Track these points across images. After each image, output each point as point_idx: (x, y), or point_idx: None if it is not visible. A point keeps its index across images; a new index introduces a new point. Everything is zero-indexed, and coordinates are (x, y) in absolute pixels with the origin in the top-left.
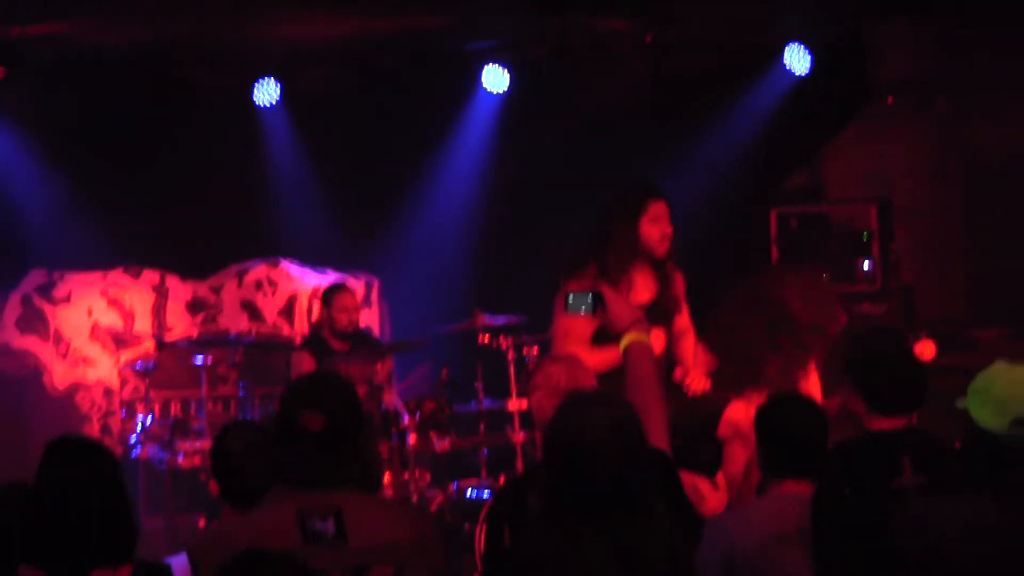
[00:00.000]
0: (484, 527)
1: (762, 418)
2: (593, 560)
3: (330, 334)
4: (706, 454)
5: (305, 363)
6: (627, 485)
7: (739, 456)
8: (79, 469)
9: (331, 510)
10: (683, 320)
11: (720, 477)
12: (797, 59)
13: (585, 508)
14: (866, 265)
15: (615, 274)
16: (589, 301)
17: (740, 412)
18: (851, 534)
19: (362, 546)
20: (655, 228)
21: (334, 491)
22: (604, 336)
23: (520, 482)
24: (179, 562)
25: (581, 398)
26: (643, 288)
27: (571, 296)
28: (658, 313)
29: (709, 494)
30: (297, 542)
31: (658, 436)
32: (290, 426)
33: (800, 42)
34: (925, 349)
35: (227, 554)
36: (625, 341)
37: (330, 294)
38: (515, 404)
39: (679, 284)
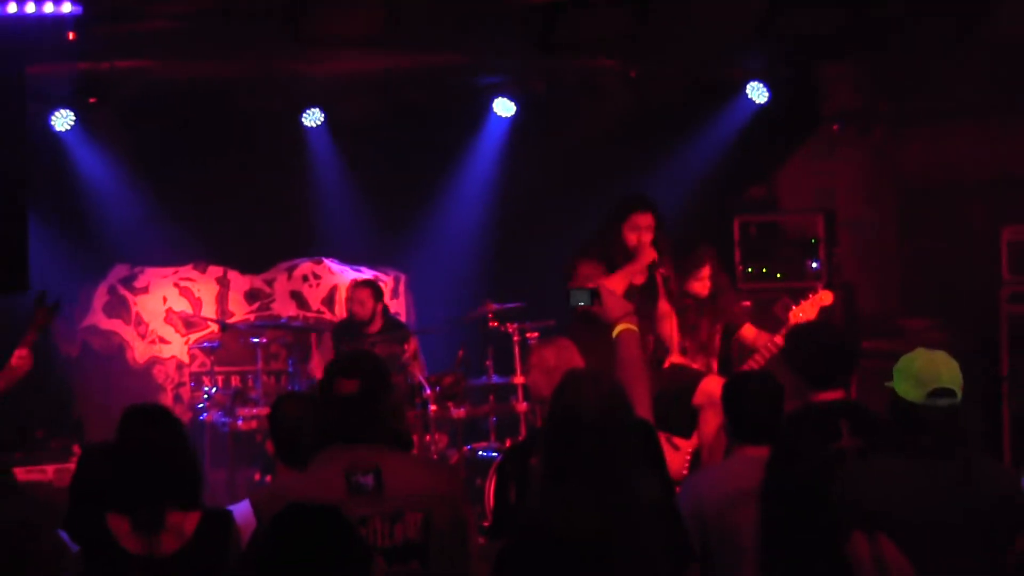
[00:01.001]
0: (493, 483)
1: (727, 392)
2: (585, 512)
3: (359, 323)
4: (683, 419)
5: (326, 345)
6: (614, 449)
7: (712, 421)
8: (151, 431)
9: (371, 467)
10: (663, 306)
11: (680, 440)
12: (757, 93)
13: (578, 468)
14: (814, 265)
15: (606, 265)
16: (587, 296)
17: (714, 384)
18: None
19: (396, 496)
20: (633, 235)
21: (374, 450)
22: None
23: (524, 445)
24: (242, 508)
25: (577, 376)
26: (621, 280)
27: (572, 292)
28: (639, 300)
29: (668, 455)
30: (343, 494)
31: (642, 407)
32: (330, 391)
33: (760, 79)
34: (822, 298)
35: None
36: (616, 329)
37: (351, 291)
38: (519, 379)
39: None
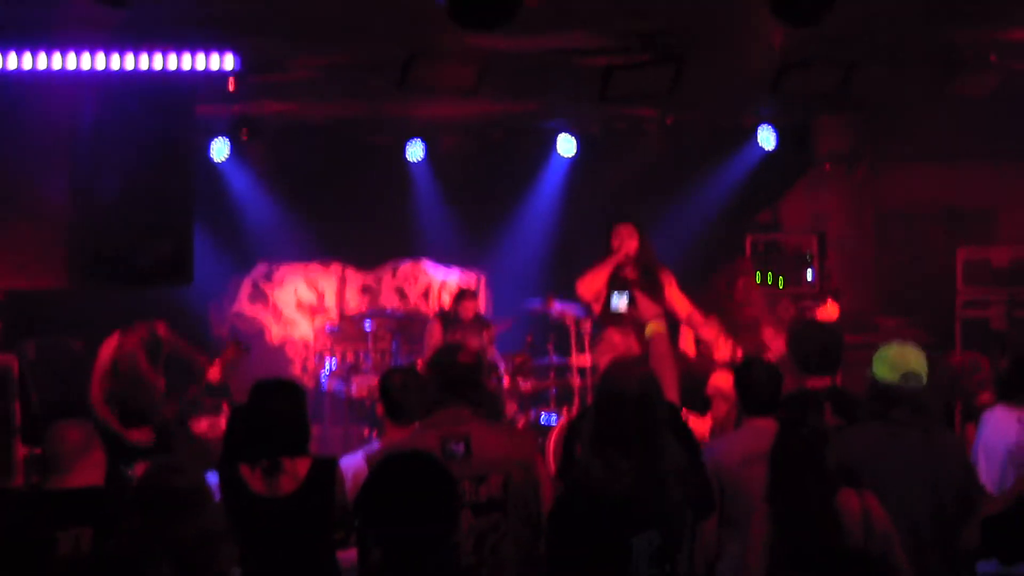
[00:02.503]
0: (552, 442)
1: (739, 375)
2: (622, 475)
3: (456, 316)
4: (699, 403)
5: (435, 330)
6: (647, 423)
7: (720, 407)
8: (271, 399)
9: (462, 437)
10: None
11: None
12: (766, 137)
13: (618, 437)
14: (809, 275)
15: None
16: (626, 299)
17: (721, 379)
18: (798, 455)
19: (482, 461)
20: (616, 242)
21: (465, 422)
22: None
23: (582, 414)
24: (355, 459)
25: (620, 364)
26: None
27: (614, 294)
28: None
29: (694, 423)
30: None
31: (671, 392)
32: (437, 371)
33: (769, 123)
34: (829, 310)
35: None
36: (648, 330)
37: (459, 298)
38: (575, 360)
39: (662, 283)
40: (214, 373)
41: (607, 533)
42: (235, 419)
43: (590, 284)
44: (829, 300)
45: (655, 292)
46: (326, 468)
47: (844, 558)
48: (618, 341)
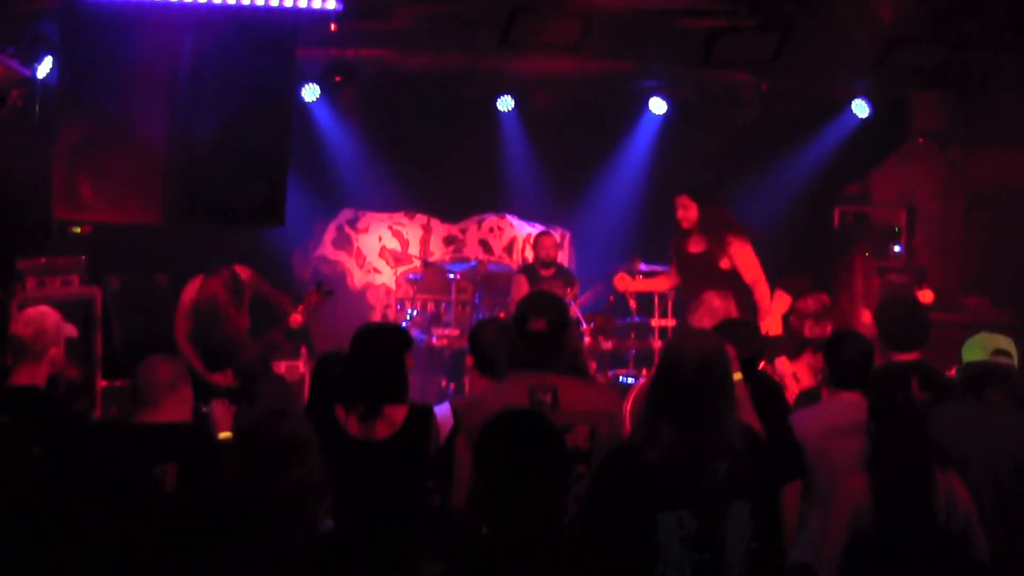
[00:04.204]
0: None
1: (829, 347)
2: (661, 445)
3: (539, 266)
4: None
5: (521, 283)
6: (700, 396)
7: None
8: (379, 344)
9: (550, 387)
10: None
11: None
12: (860, 108)
13: (667, 408)
14: (896, 248)
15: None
16: None
17: (785, 366)
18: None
19: (569, 411)
20: (678, 212)
21: (552, 374)
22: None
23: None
24: (442, 409)
25: (686, 331)
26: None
27: None
28: (702, 262)
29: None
30: (526, 407)
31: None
32: (523, 327)
33: (864, 97)
34: (925, 295)
35: (481, 412)
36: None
37: (539, 237)
38: (656, 321)
39: (727, 246)
40: (296, 318)
41: (632, 504)
42: (327, 363)
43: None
44: (925, 286)
45: (714, 259)
46: (423, 416)
47: (932, 534)
48: (717, 305)
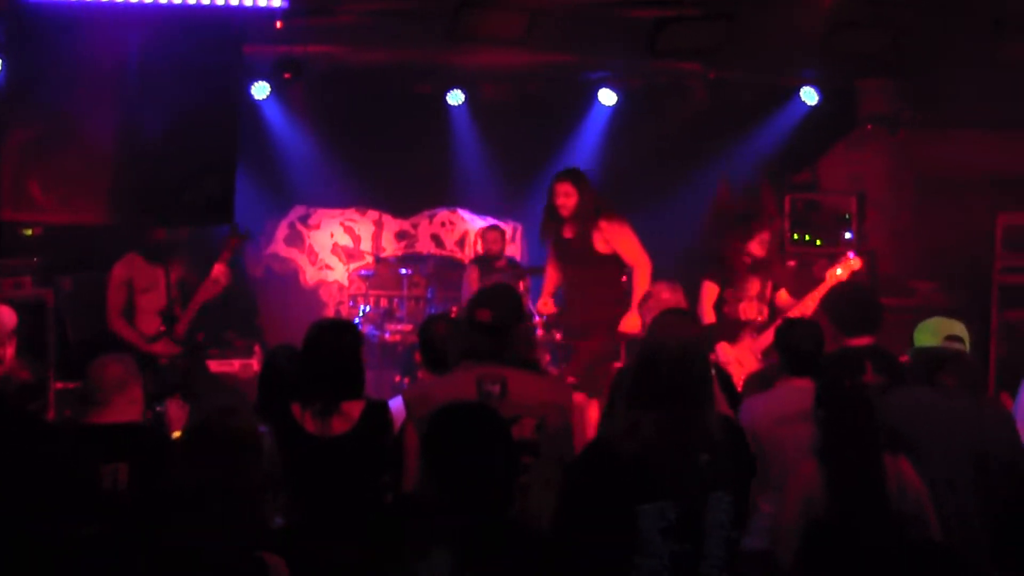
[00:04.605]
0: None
1: (780, 333)
2: (641, 435)
3: (490, 259)
4: None
5: (472, 277)
6: (680, 385)
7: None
8: (334, 338)
9: (498, 378)
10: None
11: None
12: (809, 96)
13: (648, 397)
14: (847, 235)
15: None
16: None
17: (727, 352)
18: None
19: (517, 403)
20: (558, 199)
21: (501, 365)
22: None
23: (625, 368)
24: (396, 403)
25: (667, 319)
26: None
27: None
28: (578, 247)
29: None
30: (474, 398)
31: None
32: (472, 318)
33: (812, 85)
34: (852, 262)
35: (429, 403)
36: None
37: (485, 232)
38: None
39: (601, 230)
40: (219, 267)
41: (613, 496)
42: (276, 357)
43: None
44: (850, 252)
45: (590, 244)
46: (379, 411)
47: (885, 517)
48: (667, 298)
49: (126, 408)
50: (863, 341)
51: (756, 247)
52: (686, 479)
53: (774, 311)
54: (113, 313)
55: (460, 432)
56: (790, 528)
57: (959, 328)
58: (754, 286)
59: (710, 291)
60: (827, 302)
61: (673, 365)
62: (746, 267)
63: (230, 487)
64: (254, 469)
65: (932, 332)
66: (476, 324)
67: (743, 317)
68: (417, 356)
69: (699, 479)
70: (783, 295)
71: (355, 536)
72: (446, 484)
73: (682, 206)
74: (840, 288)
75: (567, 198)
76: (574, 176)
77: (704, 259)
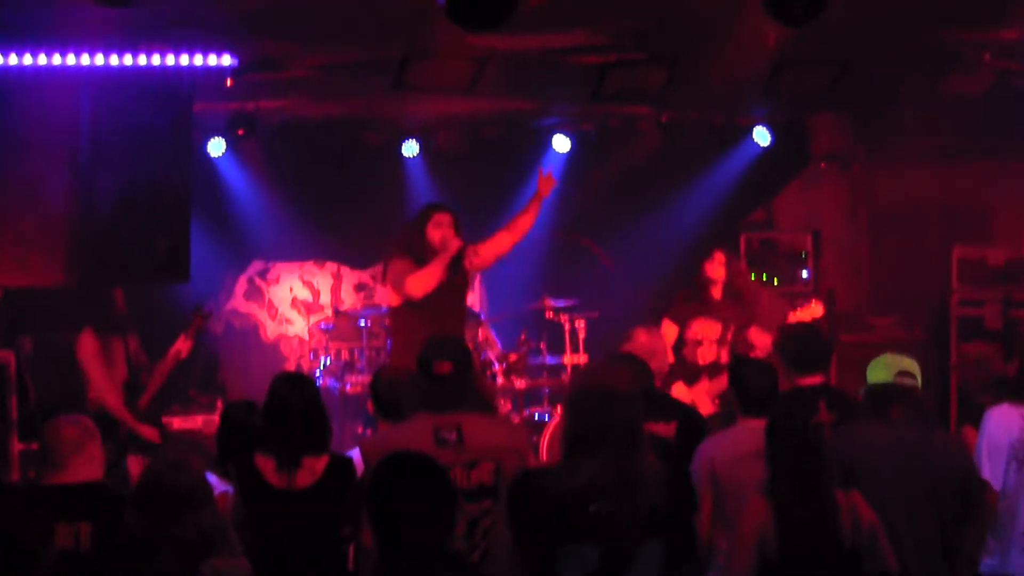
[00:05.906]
0: (546, 439)
1: (733, 373)
2: (584, 478)
3: None
4: None
5: None
6: (604, 430)
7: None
8: (297, 391)
9: (455, 425)
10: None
11: None
12: (762, 136)
13: (575, 440)
14: (804, 274)
15: (415, 259)
16: None
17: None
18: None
19: (474, 448)
20: (436, 231)
21: (457, 413)
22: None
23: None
24: (354, 455)
25: (598, 366)
26: (437, 269)
27: None
28: (455, 287)
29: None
30: (431, 446)
31: None
32: (428, 370)
33: (764, 124)
34: (815, 308)
35: (385, 452)
36: None
37: None
38: (568, 359)
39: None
40: (184, 343)
41: (534, 534)
42: (233, 411)
43: (423, 284)
44: (813, 300)
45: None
46: (343, 465)
47: (836, 552)
48: (643, 341)
49: (84, 467)
50: (814, 380)
51: (715, 290)
52: (613, 525)
53: (737, 353)
54: (103, 386)
55: (398, 484)
56: (742, 567)
57: (909, 364)
58: (714, 330)
59: (669, 331)
60: (777, 342)
61: (592, 414)
62: (705, 309)
63: (178, 538)
64: (200, 521)
65: (884, 368)
66: (433, 375)
67: (701, 362)
68: (370, 406)
69: (627, 526)
70: (756, 332)
71: None
72: (384, 534)
73: (639, 249)
74: (789, 328)
75: (449, 228)
76: (451, 208)
77: (661, 300)
